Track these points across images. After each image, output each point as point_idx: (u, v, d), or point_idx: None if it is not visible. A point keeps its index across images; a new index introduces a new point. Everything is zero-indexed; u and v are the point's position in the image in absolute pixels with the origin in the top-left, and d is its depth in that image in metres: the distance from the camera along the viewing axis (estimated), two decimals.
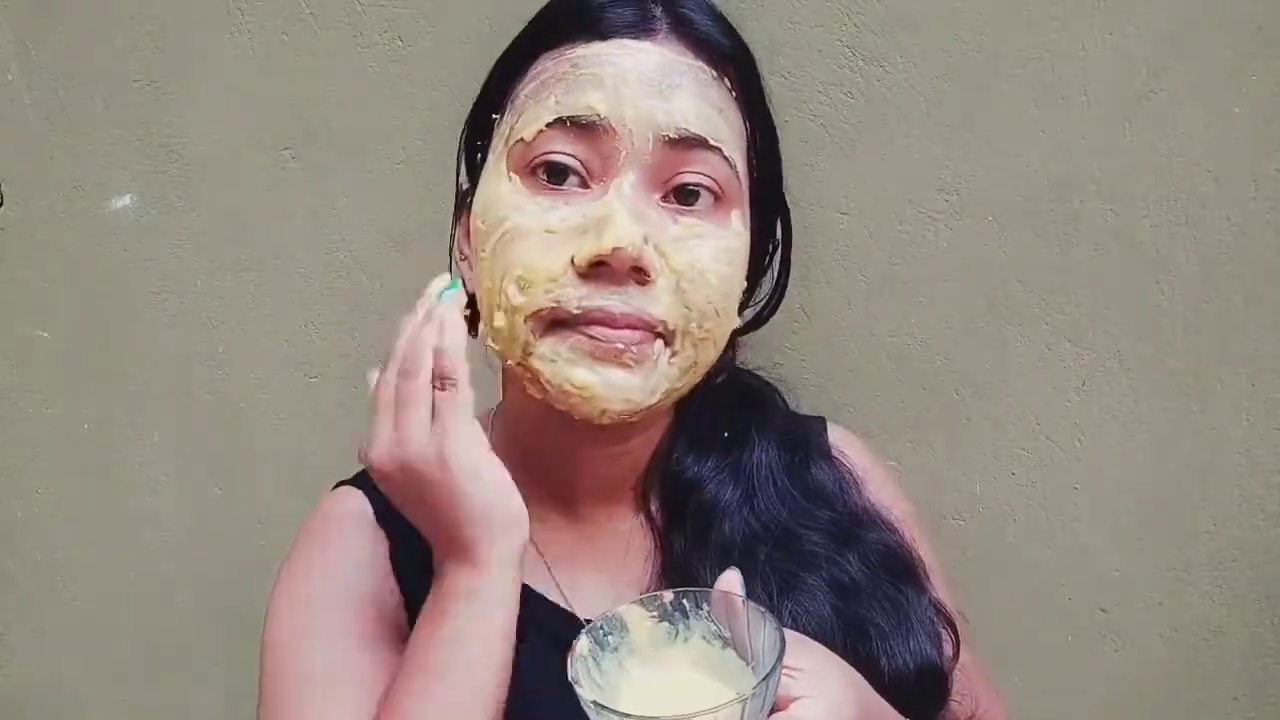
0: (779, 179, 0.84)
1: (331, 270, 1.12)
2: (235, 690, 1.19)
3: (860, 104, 1.02)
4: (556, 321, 0.71)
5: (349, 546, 0.81)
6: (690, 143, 0.72)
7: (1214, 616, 1.08)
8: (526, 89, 0.74)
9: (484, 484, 0.68)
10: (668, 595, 0.67)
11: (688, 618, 0.67)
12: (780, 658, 0.60)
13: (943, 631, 0.81)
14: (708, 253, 0.72)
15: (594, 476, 0.81)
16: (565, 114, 0.71)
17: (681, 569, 0.79)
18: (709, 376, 0.80)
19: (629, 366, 0.71)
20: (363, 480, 0.85)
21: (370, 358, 1.13)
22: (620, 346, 0.70)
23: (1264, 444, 1.04)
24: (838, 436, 0.92)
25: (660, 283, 0.71)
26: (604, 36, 0.72)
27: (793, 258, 0.89)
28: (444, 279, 0.74)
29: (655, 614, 0.66)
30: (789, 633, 0.63)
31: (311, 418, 1.16)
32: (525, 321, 0.71)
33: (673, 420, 0.84)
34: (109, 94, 1.10)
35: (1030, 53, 1.00)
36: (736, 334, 0.83)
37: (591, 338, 0.70)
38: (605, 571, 0.81)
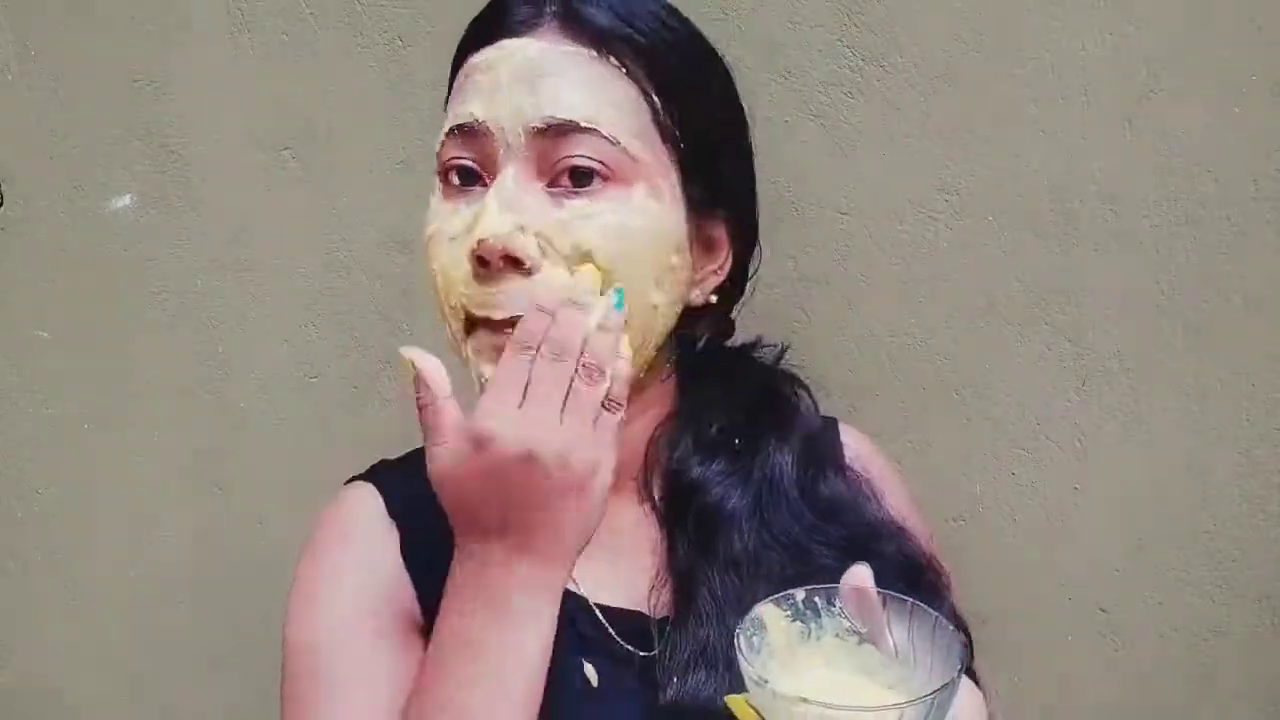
0: (727, 141, 0.82)
1: (331, 270, 1.12)
2: (236, 690, 1.19)
3: (860, 104, 1.02)
4: (470, 321, 0.74)
5: (362, 544, 0.81)
6: (562, 129, 0.72)
7: (1214, 616, 1.08)
8: (447, 104, 0.78)
9: (599, 494, 0.67)
10: (799, 594, 0.65)
11: (819, 616, 0.66)
12: (963, 653, 0.60)
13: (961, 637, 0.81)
14: (595, 232, 0.72)
15: None
16: (454, 123, 0.74)
17: (687, 574, 0.79)
18: (693, 353, 0.80)
19: None
20: (373, 475, 0.85)
21: (370, 358, 1.14)
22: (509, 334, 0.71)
23: (1264, 444, 1.04)
24: (850, 438, 0.91)
25: (548, 270, 0.71)
26: (491, 40, 0.75)
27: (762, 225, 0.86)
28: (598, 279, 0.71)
29: (789, 613, 0.65)
30: None
31: (311, 418, 1.16)
32: (454, 323, 0.75)
33: (674, 412, 0.83)
34: (109, 94, 1.10)
35: (1030, 53, 1.00)
36: (721, 307, 0.83)
37: (490, 334, 0.73)
38: (614, 558, 0.81)
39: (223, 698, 1.22)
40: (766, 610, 0.65)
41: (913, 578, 0.80)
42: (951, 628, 0.61)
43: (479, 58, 0.75)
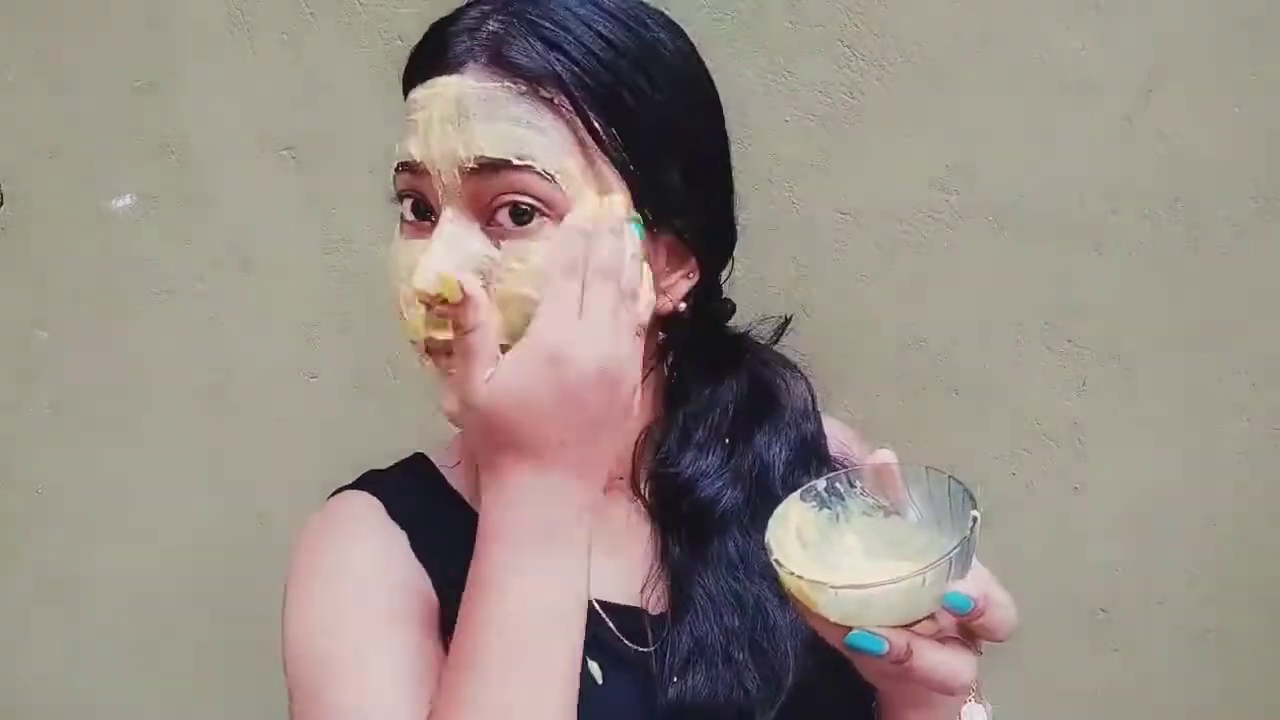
0: (685, 151, 0.79)
1: (331, 270, 1.12)
2: (235, 691, 1.19)
3: (860, 104, 1.02)
4: (426, 350, 0.75)
5: (370, 541, 0.79)
6: (494, 167, 0.72)
7: (1214, 616, 1.08)
8: None
9: (634, 411, 0.70)
10: (820, 483, 0.69)
11: (844, 499, 0.69)
12: (969, 503, 0.63)
13: None
14: (527, 276, 0.72)
15: None
16: (398, 160, 0.75)
17: (682, 574, 0.79)
18: (682, 352, 0.81)
19: None
20: (365, 483, 0.83)
21: (370, 358, 1.14)
22: (454, 372, 0.72)
23: (1264, 444, 1.04)
24: (833, 430, 0.91)
25: (489, 308, 0.72)
26: (425, 79, 0.75)
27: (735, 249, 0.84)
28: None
29: (814, 504, 0.69)
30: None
31: (311, 418, 1.16)
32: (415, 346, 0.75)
33: (661, 415, 0.83)
34: (109, 94, 1.10)
35: (1030, 52, 1.00)
36: (700, 311, 0.81)
37: (436, 365, 0.74)
38: (610, 552, 0.80)
39: (223, 697, 1.22)
40: (792, 505, 0.68)
41: None
42: (962, 486, 0.63)
43: (415, 94, 0.75)
